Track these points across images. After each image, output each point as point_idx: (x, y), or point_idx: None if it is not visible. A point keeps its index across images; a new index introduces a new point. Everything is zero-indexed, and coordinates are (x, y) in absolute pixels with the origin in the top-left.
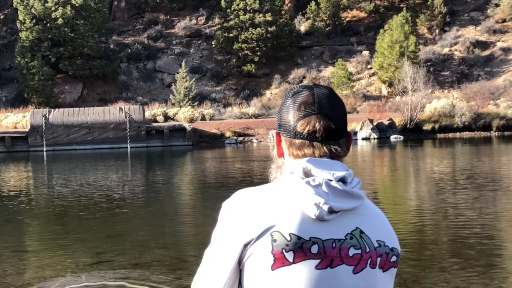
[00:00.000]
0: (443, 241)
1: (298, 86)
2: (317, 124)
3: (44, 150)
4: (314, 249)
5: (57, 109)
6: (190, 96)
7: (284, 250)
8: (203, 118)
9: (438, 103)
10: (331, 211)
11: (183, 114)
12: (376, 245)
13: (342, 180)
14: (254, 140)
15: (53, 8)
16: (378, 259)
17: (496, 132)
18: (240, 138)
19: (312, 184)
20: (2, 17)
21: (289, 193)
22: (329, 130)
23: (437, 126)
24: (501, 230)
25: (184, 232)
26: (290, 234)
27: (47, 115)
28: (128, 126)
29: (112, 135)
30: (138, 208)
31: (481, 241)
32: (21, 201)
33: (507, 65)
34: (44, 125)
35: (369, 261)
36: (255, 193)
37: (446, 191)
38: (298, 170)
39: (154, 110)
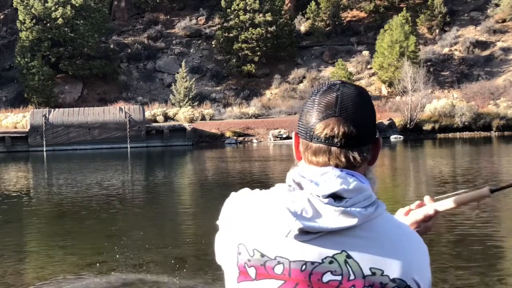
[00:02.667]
0: (442, 241)
1: (325, 84)
2: (335, 128)
3: (44, 150)
4: (278, 269)
5: (57, 109)
6: (190, 96)
7: (246, 265)
8: (203, 118)
9: (438, 103)
10: (304, 231)
11: (183, 114)
12: (367, 272)
13: (336, 196)
14: (254, 140)
15: (53, 8)
16: None
17: (496, 132)
18: (240, 138)
19: (294, 199)
20: (2, 17)
21: (268, 205)
22: (349, 135)
23: (437, 126)
24: (501, 230)
25: (184, 232)
26: (253, 250)
27: (47, 115)
28: (128, 126)
29: (112, 135)
30: (138, 208)
31: (481, 241)
32: (21, 201)
33: (507, 65)
34: (44, 125)
35: None
36: (246, 198)
37: (446, 191)
38: (289, 181)
39: (154, 110)
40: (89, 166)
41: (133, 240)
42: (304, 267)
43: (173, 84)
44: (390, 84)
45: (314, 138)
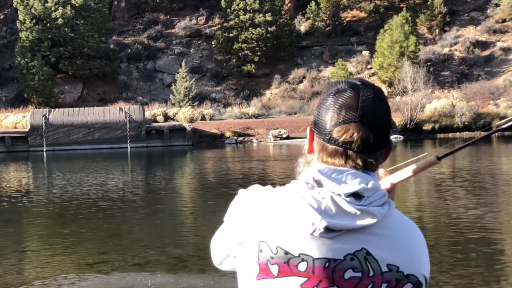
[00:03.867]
0: (443, 241)
1: (343, 83)
2: (355, 135)
3: (44, 150)
4: (302, 266)
5: (57, 109)
6: (190, 96)
7: (269, 262)
8: (203, 118)
9: (438, 103)
10: (329, 229)
11: (183, 114)
12: (385, 269)
13: (356, 194)
14: (254, 140)
15: (53, 8)
16: (384, 285)
17: (496, 132)
18: (240, 138)
19: (316, 197)
20: (2, 17)
21: (289, 203)
22: (367, 142)
23: (437, 126)
24: (501, 230)
25: (184, 232)
26: (277, 247)
27: (47, 115)
28: (128, 126)
29: (112, 135)
30: (138, 208)
31: (481, 241)
32: (21, 201)
33: (507, 65)
34: (44, 125)
35: (370, 286)
36: (263, 195)
37: (445, 191)
38: (308, 178)
39: (154, 110)
40: (89, 166)
41: (133, 240)
42: (327, 264)
43: (173, 84)
44: (390, 84)
45: (331, 140)
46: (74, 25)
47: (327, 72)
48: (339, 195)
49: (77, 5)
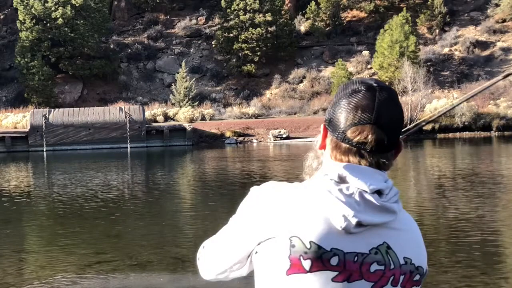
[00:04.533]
0: (443, 241)
1: (358, 83)
2: (370, 136)
3: (44, 150)
4: (334, 261)
5: (57, 109)
6: (190, 96)
7: (301, 257)
8: (203, 118)
9: (438, 103)
10: (359, 224)
11: (183, 114)
12: (402, 262)
13: (378, 192)
14: (254, 140)
15: (53, 8)
16: (402, 277)
17: (496, 132)
18: (240, 138)
19: (345, 192)
20: (2, 17)
21: (318, 198)
22: (381, 143)
23: (437, 126)
24: (501, 230)
25: (184, 232)
26: (310, 242)
27: (47, 115)
28: (128, 126)
29: (112, 135)
30: (138, 208)
31: (481, 241)
32: (21, 201)
33: (507, 65)
34: (44, 125)
35: (391, 278)
36: (285, 190)
37: (446, 191)
38: (333, 174)
39: (154, 110)
40: (89, 166)
41: (133, 240)
42: (356, 258)
43: (173, 84)
44: (390, 84)
45: (345, 139)
46: (74, 25)
47: (327, 72)
48: (366, 191)
49: (77, 5)
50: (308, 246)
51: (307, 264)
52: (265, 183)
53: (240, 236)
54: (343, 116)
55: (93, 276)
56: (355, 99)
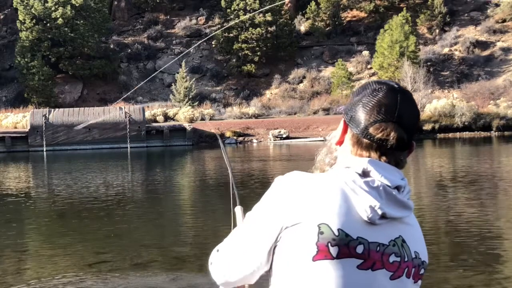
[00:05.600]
0: (443, 241)
1: (379, 83)
2: (392, 133)
3: (44, 150)
4: (360, 249)
5: (57, 109)
6: (190, 96)
7: (329, 244)
8: (203, 118)
9: (438, 103)
10: (383, 216)
11: (183, 114)
12: (413, 256)
13: (398, 188)
14: (254, 140)
15: (53, 8)
16: (413, 270)
17: (496, 132)
18: (240, 138)
19: (371, 185)
20: (2, 17)
21: (344, 188)
22: (401, 141)
23: (437, 126)
24: (501, 230)
25: (184, 232)
26: (338, 230)
27: (47, 115)
28: (128, 126)
29: (112, 135)
30: (138, 208)
31: (481, 241)
32: (21, 201)
33: (507, 65)
34: (44, 125)
35: (405, 270)
36: (310, 178)
37: (446, 191)
38: (357, 168)
39: (154, 110)
40: (89, 166)
41: (133, 240)
42: (378, 248)
43: (173, 84)
44: None
45: (368, 135)
46: (74, 25)
47: (327, 72)
48: (389, 186)
49: (77, 5)
50: (337, 234)
51: (334, 250)
52: (289, 172)
53: (266, 221)
54: (366, 113)
55: (93, 276)
56: (378, 98)
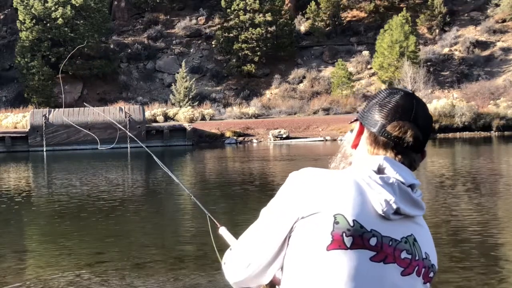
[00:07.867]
0: (443, 241)
1: (395, 89)
2: (409, 132)
3: (44, 150)
4: (373, 241)
5: (57, 109)
6: (190, 96)
7: (344, 234)
8: (203, 118)
9: (438, 103)
10: (397, 212)
11: (183, 114)
12: (423, 256)
13: (411, 187)
14: (254, 140)
15: (53, 8)
16: (423, 269)
17: (496, 132)
18: (240, 138)
19: (386, 181)
20: (2, 17)
21: (360, 182)
22: (417, 140)
23: (437, 126)
24: (501, 230)
25: (184, 232)
26: (353, 221)
27: (47, 115)
28: (128, 126)
29: (112, 135)
30: (138, 208)
31: (481, 241)
32: (21, 201)
33: (507, 65)
34: (44, 125)
35: (416, 268)
36: (325, 172)
37: (446, 191)
38: (373, 164)
39: (154, 110)
40: (89, 166)
41: (133, 240)
42: (390, 242)
43: (173, 84)
44: (390, 84)
45: (385, 133)
46: (74, 25)
47: (327, 72)
48: (404, 184)
49: (77, 5)
50: (352, 224)
51: (348, 241)
52: (303, 168)
53: (283, 212)
54: (384, 112)
55: (93, 276)
56: (396, 99)
